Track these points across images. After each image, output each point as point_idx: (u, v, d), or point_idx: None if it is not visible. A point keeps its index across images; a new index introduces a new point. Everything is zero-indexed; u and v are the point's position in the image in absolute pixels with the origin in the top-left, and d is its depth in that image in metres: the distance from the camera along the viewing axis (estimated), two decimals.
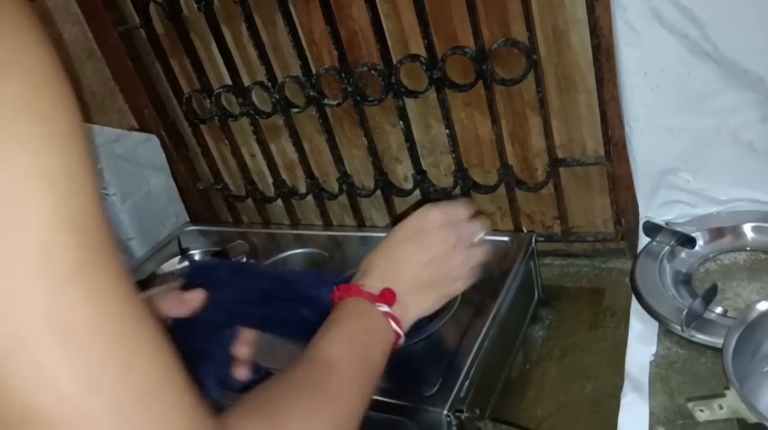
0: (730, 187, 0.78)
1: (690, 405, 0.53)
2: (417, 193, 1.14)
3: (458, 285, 0.65)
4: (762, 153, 0.74)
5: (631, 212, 0.99)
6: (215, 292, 0.59)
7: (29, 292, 0.26)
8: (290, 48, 1.07)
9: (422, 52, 0.98)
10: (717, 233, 0.79)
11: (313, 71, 1.09)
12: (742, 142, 0.74)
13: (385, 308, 0.57)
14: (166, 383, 0.32)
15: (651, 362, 0.66)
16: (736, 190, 0.78)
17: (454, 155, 1.06)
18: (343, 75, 1.06)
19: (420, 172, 1.12)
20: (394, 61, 1.02)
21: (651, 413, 0.61)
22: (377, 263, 0.62)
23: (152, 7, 1.17)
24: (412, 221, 0.64)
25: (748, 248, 0.77)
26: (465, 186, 1.09)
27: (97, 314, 0.29)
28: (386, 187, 1.17)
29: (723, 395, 0.51)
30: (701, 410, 0.52)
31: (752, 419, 0.49)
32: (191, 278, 0.62)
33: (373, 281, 0.60)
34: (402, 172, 1.17)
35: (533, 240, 0.98)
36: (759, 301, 0.57)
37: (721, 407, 0.51)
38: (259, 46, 1.10)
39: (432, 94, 1.01)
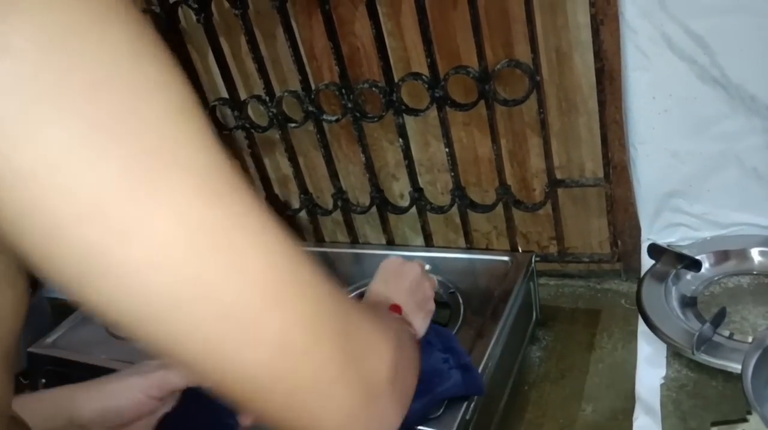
0: (733, 211, 0.79)
1: None
2: (413, 210, 1.13)
3: (432, 305, 0.75)
4: (766, 179, 0.75)
5: (628, 234, 1.00)
6: None
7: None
8: (290, 62, 1.06)
9: (424, 71, 0.98)
10: (722, 257, 0.80)
11: (313, 86, 1.08)
12: (747, 168, 0.75)
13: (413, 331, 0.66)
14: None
15: (662, 385, 0.66)
16: (739, 215, 0.79)
17: (452, 174, 1.06)
18: (343, 91, 1.05)
19: (417, 190, 1.11)
20: (396, 79, 1.01)
21: None
22: (381, 293, 0.71)
23: (149, 18, 1.15)
24: (385, 265, 0.76)
25: (754, 272, 0.77)
26: (462, 205, 1.09)
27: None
28: (382, 204, 1.16)
29: (746, 420, 0.51)
30: None
31: None
32: None
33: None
34: (398, 189, 1.16)
35: (533, 260, 0.98)
36: None
37: None
38: (258, 59, 1.09)
39: (432, 113, 1.01)
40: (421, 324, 0.71)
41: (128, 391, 0.64)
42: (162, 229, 0.24)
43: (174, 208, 0.24)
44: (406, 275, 0.73)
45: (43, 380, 1.03)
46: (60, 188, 0.22)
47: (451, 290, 0.95)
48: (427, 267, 0.78)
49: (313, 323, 0.29)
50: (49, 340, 1.05)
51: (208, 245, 0.25)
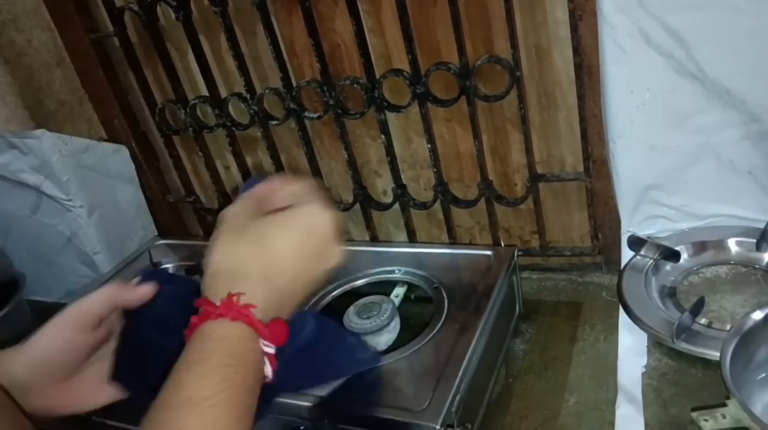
0: (710, 203, 0.81)
1: (694, 415, 0.54)
2: (396, 206, 1.14)
3: (332, 256, 0.51)
4: (742, 171, 0.77)
5: (608, 227, 1.01)
6: (165, 289, 0.57)
7: None
8: (271, 60, 1.06)
9: (405, 67, 0.99)
10: (700, 247, 0.81)
11: (294, 84, 1.08)
12: (724, 160, 0.77)
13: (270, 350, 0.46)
14: None
15: (643, 374, 0.68)
16: (716, 207, 0.81)
17: (434, 170, 1.07)
18: (324, 88, 1.05)
19: (400, 186, 1.12)
20: (377, 76, 1.02)
21: (646, 424, 0.62)
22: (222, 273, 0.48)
23: (127, 15, 1.14)
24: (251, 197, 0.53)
25: (731, 262, 0.79)
26: (445, 200, 1.09)
27: None
28: (365, 200, 1.16)
29: (725, 405, 0.52)
30: (705, 420, 0.53)
31: (754, 427, 0.50)
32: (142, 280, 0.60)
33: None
34: (381, 186, 1.17)
35: (515, 254, 0.99)
36: (753, 311, 0.59)
37: (724, 417, 0.52)
38: (238, 57, 1.08)
39: (414, 109, 1.02)
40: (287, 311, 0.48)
41: (50, 333, 0.55)
42: None
43: None
44: (289, 236, 0.48)
45: None
46: None
47: (435, 285, 0.96)
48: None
49: None
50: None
51: None
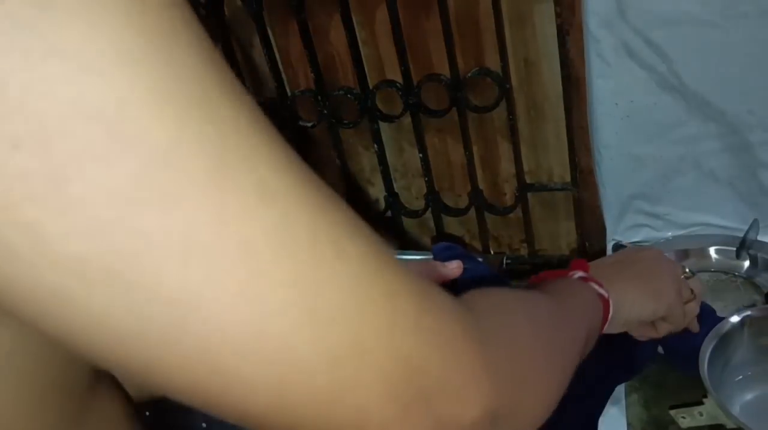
0: (692, 212, 0.84)
1: (672, 413, 0.56)
2: (389, 214, 1.16)
3: (663, 329, 0.54)
4: (723, 181, 0.79)
5: (595, 237, 1.04)
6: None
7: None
8: (266, 69, 1.08)
9: (398, 78, 1.01)
10: (682, 255, 0.84)
11: (289, 93, 1.11)
12: (705, 171, 0.79)
13: (601, 290, 0.48)
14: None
15: None
16: (697, 216, 0.83)
17: (426, 179, 1.09)
18: (319, 98, 1.07)
19: (392, 195, 1.14)
20: (371, 86, 1.04)
21: (629, 424, 0.64)
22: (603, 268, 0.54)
23: None
24: (646, 253, 0.58)
25: (711, 269, 0.82)
26: (436, 209, 1.12)
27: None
28: (357, 208, 1.17)
29: (702, 403, 0.54)
30: (683, 417, 0.55)
31: (730, 424, 0.52)
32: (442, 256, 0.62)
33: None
34: (374, 194, 1.19)
35: (504, 262, 1.01)
36: (731, 315, 0.61)
37: (701, 414, 0.54)
38: (234, 66, 1.11)
39: (407, 119, 1.04)
40: (625, 315, 0.50)
41: None
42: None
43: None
44: (642, 263, 0.53)
45: None
46: None
47: None
48: (687, 270, 0.57)
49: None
50: None
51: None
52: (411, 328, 0.24)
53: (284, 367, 0.21)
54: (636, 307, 0.50)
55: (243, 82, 1.09)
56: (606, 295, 0.48)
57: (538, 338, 0.35)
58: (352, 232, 0.23)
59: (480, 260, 0.68)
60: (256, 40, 1.07)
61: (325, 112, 1.08)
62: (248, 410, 0.22)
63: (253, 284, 0.20)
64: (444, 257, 0.61)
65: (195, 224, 0.19)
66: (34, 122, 0.17)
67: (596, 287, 0.48)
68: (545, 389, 0.33)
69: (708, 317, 0.63)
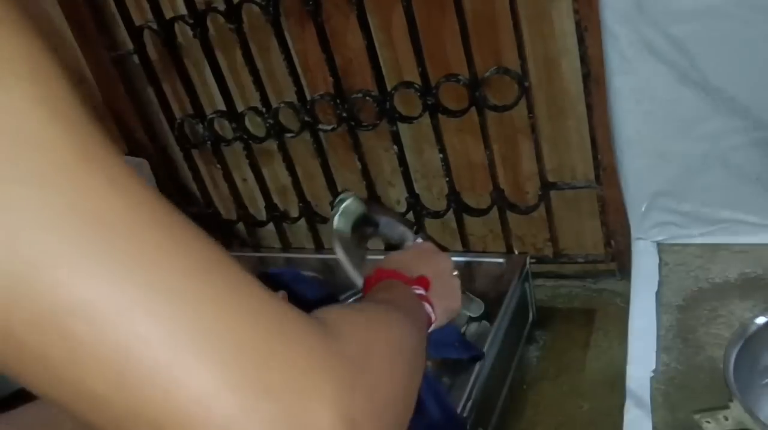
0: (719, 209, 0.82)
1: (697, 417, 0.55)
2: (410, 216, 1.16)
3: (458, 304, 0.63)
4: (750, 177, 0.77)
5: (621, 234, 1.02)
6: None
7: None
8: (285, 74, 1.09)
9: (416, 79, 1.01)
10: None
11: (308, 97, 1.11)
12: (731, 166, 0.77)
13: (420, 291, 0.54)
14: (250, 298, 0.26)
15: (651, 379, 0.68)
16: (724, 212, 0.81)
17: (447, 179, 1.08)
18: (338, 101, 1.08)
19: (413, 196, 1.14)
20: (389, 88, 1.04)
21: (654, 427, 0.63)
22: (399, 263, 0.60)
23: (146, 34, 1.18)
24: (417, 246, 0.69)
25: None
26: (457, 209, 1.11)
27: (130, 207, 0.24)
28: None
29: (727, 407, 0.53)
30: (708, 422, 0.54)
31: (756, 429, 0.51)
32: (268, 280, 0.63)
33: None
34: (395, 195, 1.18)
35: (527, 262, 1.00)
36: (757, 316, 0.60)
37: (726, 419, 0.53)
38: (253, 72, 1.11)
39: (426, 120, 1.04)
40: (441, 316, 0.58)
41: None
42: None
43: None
44: (438, 261, 0.63)
45: None
46: None
47: None
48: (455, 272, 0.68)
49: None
50: None
51: None
52: (267, 330, 0.25)
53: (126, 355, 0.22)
54: (442, 322, 0.58)
55: (263, 88, 1.11)
56: (434, 318, 0.54)
57: (394, 346, 0.37)
58: (220, 262, 0.26)
59: (320, 280, 0.71)
60: (275, 46, 1.07)
61: (344, 115, 1.08)
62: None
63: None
64: (279, 281, 0.63)
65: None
66: None
67: (428, 308, 0.54)
68: (403, 397, 0.34)
69: None
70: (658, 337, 0.73)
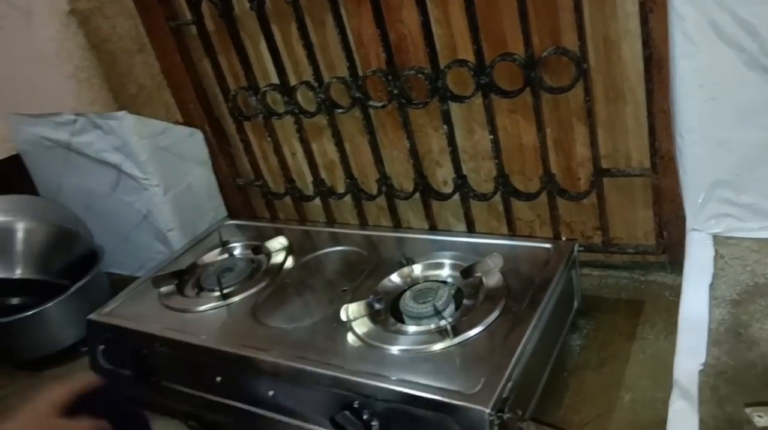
0: None
1: (748, 411, 0.53)
2: (456, 197, 1.15)
3: None
4: None
5: (674, 226, 0.99)
6: None
7: None
8: (338, 49, 1.09)
9: (470, 58, 0.99)
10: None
11: (360, 73, 1.11)
12: None
13: None
14: None
15: (700, 372, 0.66)
16: None
17: (496, 161, 1.07)
18: (389, 77, 1.07)
19: (460, 177, 1.13)
20: (442, 66, 1.03)
21: (701, 421, 0.61)
22: None
23: (204, 5, 1.19)
24: None
25: None
26: (506, 193, 1.10)
27: None
28: (425, 190, 1.17)
29: None
30: (760, 416, 0.52)
31: None
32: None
33: None
34: (442, 176, 1.18)
35: (575, 248, 0.98)
36: None
37: None
38: (308, 46, 1.12)
39: (477, 100, 1.02)
40: None
41: None
42: None
43: None
44: None
45: (101, 347, 1.08)
46: None
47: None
48: None
49: None
50: (107, 309, 1.11)
51: None
52: None
53: None
54: None
55: (316, 63, 1.11)
56: None
57: None
58: None
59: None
60: (330, 20, 1.07)
61: (395, 92, 1.08)
62: None
63: None
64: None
65: None
66: None
67: None
68: None
69: None
70: (710, 330, 0.71)
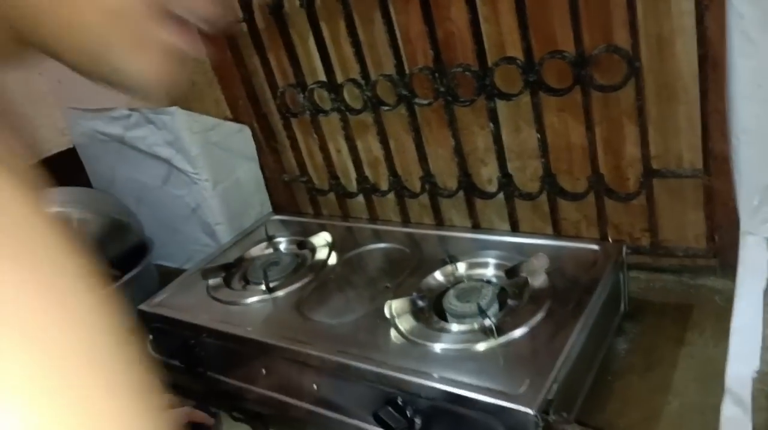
0: None
1: None
2: (500, 196, 1.14)
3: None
4: None
5: (726, 229, 0.97)
6: None
7: None
8: (386, 46, 1.09)
9: (519, 55, 0.99)
10: None
11: (407, 70, 1.11)
12: None
13: None
14: None
15: (754, 379, 0.65)
16: None
17: (543, 160, 1.06)
18: (436, 75, 1.07)
19: (505, 176, 1.12)
20: (490, 63, 1.02)
21: (754, 429, 0.60)
22: None
23: (255, 2, 1.21)
24: None
25: None
26: (552, 192, 1.08)
27: None
28: (469, 188, 1.17)
29: None
30: None
31: None
32: None
33: None
34: (486, 174, 1.17)
35: (623, 250, 0.97)
36: None
37: None
38: (355, 43, 1.12)
39: (525, 98, 1.01)
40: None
41: None
42: None
43: None
44: None
45: (150, 336, 1.11)
46: None
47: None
48: None
49: None
50: (156, 300, 1.14)
51: None
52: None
53: None
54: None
55: (363, 60, 1.12)
56: None
57: None
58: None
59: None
60: (378, 16, 1.08)
61: (442, 89, 1.07)
62: None
63: None
64: None
65: None
66: None
67: None
68: None
69: None
70: (764, 336, 0.69)
